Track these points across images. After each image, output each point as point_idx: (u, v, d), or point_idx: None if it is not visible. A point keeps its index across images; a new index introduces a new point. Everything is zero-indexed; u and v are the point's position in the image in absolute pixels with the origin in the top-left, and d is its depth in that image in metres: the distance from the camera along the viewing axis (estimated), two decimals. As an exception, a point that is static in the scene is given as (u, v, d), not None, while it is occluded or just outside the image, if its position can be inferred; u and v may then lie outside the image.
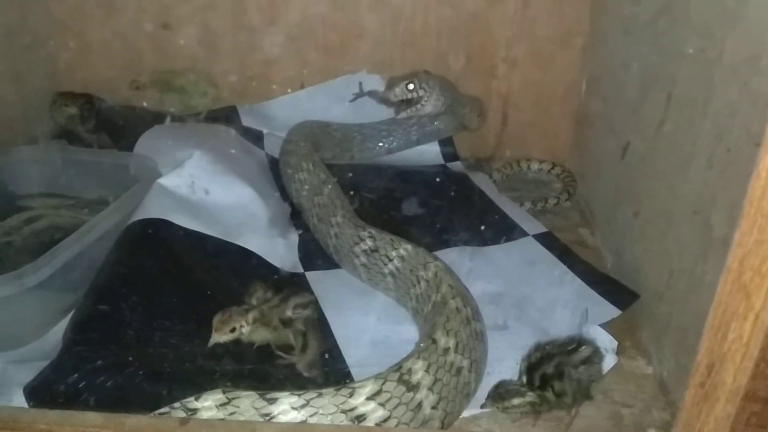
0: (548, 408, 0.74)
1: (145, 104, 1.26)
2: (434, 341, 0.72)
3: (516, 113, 1.27)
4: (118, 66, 1.27)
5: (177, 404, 0.65)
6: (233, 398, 0.65)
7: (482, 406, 0.75)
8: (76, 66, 1.28)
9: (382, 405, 0.66)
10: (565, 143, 1.27)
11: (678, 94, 0.80)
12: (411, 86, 1.07)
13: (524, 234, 1.03)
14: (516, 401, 0.73)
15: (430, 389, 0.69)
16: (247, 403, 0.64)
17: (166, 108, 1.26)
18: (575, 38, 1.19)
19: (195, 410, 0.64)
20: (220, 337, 0.77)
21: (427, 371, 0.69)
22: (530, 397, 0.73)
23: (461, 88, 1.23)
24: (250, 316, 0.79)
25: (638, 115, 0.92)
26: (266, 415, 0.64)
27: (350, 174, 1.14)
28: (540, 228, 1.05)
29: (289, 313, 0.81)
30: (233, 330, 0.77)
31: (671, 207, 0.80)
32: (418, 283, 0.86)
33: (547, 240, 1.02)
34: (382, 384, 0.67)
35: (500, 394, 0.74)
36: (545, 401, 0.73)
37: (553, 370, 0.74)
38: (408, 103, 1.09)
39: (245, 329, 0.78)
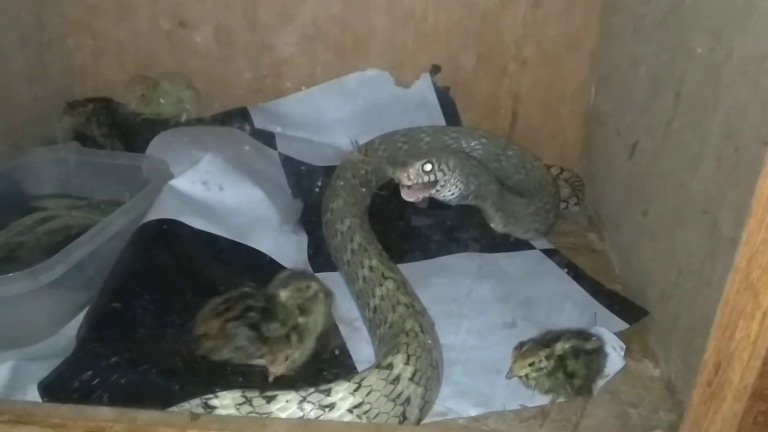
0: (556, 389, 0.75)
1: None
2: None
3: (526, 113, 1.27)
4: (134, 68, 1.28)
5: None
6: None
7: (508, 376, 0.75)
8: (92, 67, 1.30)
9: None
10: (574, 144, 1.27)
11: (687, 94, 0.80)
12: (428, 167, 0.87)
13: (531, 247, 1.04)
14: (543, 353, 0.74)
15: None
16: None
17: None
18: (585, 39, 1.19)
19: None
20: (278, 368, 0.74)
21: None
22: (556, 351, 0.74)
23: (472, 88, 1.24)
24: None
25: (647, 114, 0.92)
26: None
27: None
28: (547, 245, 1.05)
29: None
30: (286, 359, 0.75)
31: (680, 206, 0.80)
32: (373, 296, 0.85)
33: (554, 255, 1.02)
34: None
35: (529, 349, 0.75)
36: (556, 379, 0.74)
37: (570, 350, 0.75)
38: (423, 186, 0.89)
39: (296, 354, 0.76)
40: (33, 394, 0.68)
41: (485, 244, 1.02)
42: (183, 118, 1.25)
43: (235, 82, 1.29)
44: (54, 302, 0.82)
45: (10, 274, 0.76)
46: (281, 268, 0.94)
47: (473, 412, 0.74)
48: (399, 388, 0.69)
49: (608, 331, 0.81)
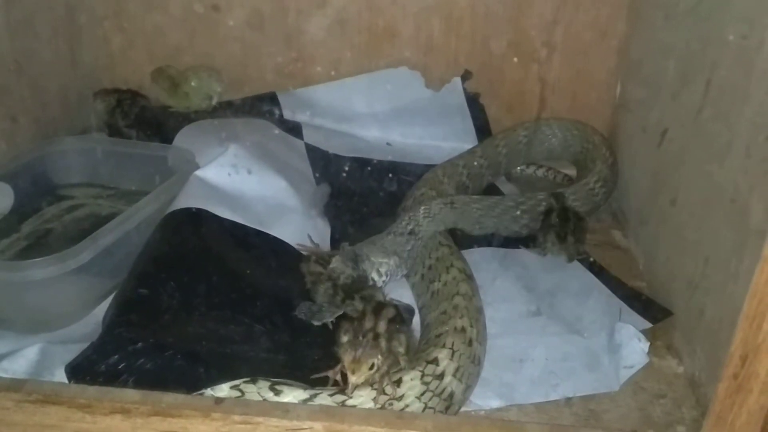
0: None
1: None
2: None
3: (553, 100, 1.27)
4: (163, 57, 1.30)
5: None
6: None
7: None
8: (120, 57, 1.32)
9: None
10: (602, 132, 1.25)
11: (717, 82, 0.79)
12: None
13: None
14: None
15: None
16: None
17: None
18: (615, 26, 1.19)
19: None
20: (359, 379, 0.66)
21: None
22: None
23: (502, 73, 1.25)
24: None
25: (676, 102, 0.91)
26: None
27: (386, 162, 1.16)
28: None
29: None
30: (371, 367, 0.66)
31: (708, 195, 0.79)
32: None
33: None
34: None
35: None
36: None
37: None
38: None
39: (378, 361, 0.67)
40: (60, 376, 0.69)
41: (505, 239, 1.03)
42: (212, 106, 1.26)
43: (266, 66, 1.30)
44: (81, 288, 0.83)
45: (39, 259, 0.77)
46: (303, 257, 0.95)
47: (495, 404, 0.74)
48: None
49: (632, 327, 0.80)
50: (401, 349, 0.69)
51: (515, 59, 1.24)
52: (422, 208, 0.95)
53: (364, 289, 0.82)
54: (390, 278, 0.89)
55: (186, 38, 1.29)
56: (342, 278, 0.83)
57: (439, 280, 0.84)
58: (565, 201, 1.01)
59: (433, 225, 0.95)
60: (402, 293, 0.91)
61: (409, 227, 0.92)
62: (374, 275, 0.87)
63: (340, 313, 0.80)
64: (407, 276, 0.93)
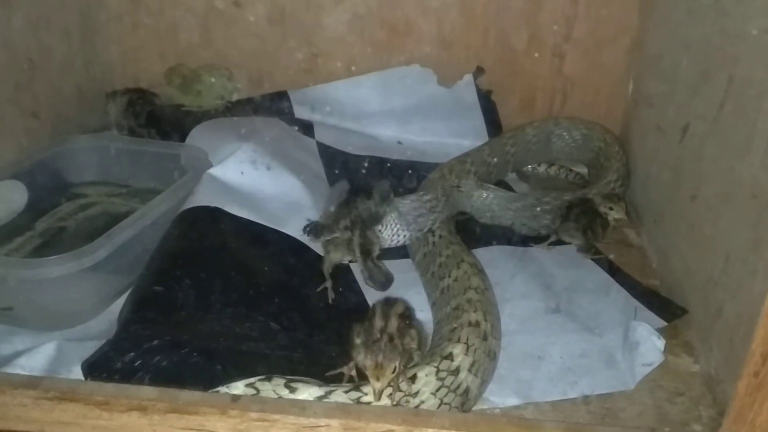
0: None
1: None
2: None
3: (573, 94, 1.27)
4: (176, 57, 1.30)
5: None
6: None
7: None
8: (132, 57, 1.32)
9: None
10: (617, 129, 1.26)
11: (740, 76, 0.78)
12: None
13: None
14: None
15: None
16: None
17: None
18: (635, 20, 1.19)
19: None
20: (383, 384, 0.65)
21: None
22: None
23: (521, 67, 1.25)
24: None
25: (698, 97, 0.90)
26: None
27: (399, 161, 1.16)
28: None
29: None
30: (394, 370, 0.65)
31: (728, 191, 0.77)
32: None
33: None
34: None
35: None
36: None
37: None
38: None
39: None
40: (77, 373, 0.69)
41: (520, 237, 1.03)
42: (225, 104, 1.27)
43: (286, 62, 1.30)
44: (96, 285, 0.84)
45: (55, 257, 0.77)
46: (315, 255, 0.95)
47: (512, 402, 0.73)
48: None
49: (648, 326, 0.80)
50: (414, 345, 0.69)
51: (536, 54, 1.24)
52: (440, 186, 1.00)
53: (370, 229, 0.88)
54: (391, 235, 0.95)
55: (204, 34, 1.29)
56: (361, 207, 0.90)
57: (450, 276, 0.84)
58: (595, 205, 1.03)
59: (447, 205, 0.99)
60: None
61: (426, 197, 0.97)
62: (381, 226, 0.94)
63: (336, 236, 0.88)
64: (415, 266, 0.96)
